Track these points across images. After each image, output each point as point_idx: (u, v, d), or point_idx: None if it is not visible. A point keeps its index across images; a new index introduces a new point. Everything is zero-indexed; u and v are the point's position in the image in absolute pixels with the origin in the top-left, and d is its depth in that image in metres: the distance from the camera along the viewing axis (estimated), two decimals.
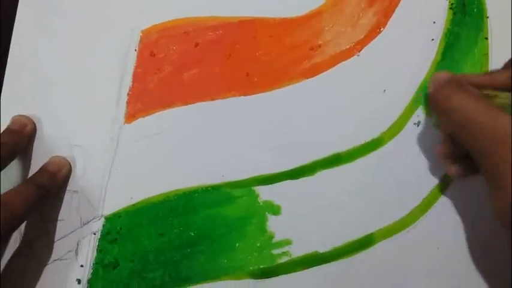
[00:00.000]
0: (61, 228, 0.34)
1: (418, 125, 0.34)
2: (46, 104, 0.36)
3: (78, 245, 0.34)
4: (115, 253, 0.34)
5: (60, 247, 0.34)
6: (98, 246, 0.34)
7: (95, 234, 0.34)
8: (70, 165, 0.35)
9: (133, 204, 0.34)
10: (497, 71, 0.28)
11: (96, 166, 0.35)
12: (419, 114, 0.34)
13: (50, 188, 0.33)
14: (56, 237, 0.34)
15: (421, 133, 0.34)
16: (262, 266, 0.33)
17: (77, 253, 0.34)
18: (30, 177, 0.34)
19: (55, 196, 0.34)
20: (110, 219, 0.34)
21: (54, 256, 0.34)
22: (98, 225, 0.34)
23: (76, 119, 0.36)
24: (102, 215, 0.34)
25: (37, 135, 0.35)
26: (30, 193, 0.31)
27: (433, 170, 0.33)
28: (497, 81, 0.27)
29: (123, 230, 0.34)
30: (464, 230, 0.33)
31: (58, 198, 0.34)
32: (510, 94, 0.26)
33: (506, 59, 0.34)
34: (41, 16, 0.37)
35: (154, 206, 0.34)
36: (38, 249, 0.34)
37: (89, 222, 0.34)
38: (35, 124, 0.35)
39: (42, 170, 0.34)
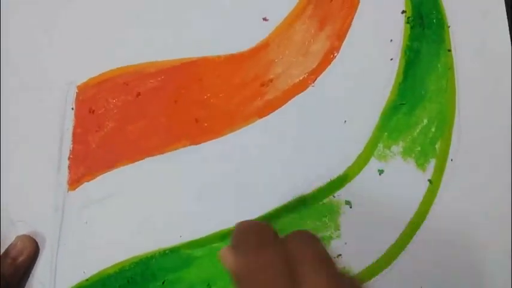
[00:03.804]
0: None
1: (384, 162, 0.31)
2: None
3: None
4: None
5: None
6: None
7: None
8: (34, 246, 0.32)
9: (87, 279, 0.32)
10: None
11: (41, 241, 0.32)
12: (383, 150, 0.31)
13: (10, 279, 0.30)
14: None
15: (388, 166, 0.31)
16: None
17: None
18: None
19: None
20: None
21: None
22: None
23: (14, 191, 0.33)
24: None
25: None
26: None
27: (406, 203, 0.31)
28: None
29: None
30: (446, 262, 0.30)
31: None
32: None
33: (473, 71, 0.32)
34: None
35: (109, 278, 0.32)
36: None
37: None
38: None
39: (4, 255, 0.31)
